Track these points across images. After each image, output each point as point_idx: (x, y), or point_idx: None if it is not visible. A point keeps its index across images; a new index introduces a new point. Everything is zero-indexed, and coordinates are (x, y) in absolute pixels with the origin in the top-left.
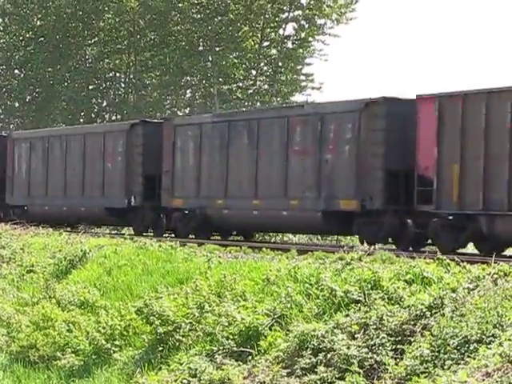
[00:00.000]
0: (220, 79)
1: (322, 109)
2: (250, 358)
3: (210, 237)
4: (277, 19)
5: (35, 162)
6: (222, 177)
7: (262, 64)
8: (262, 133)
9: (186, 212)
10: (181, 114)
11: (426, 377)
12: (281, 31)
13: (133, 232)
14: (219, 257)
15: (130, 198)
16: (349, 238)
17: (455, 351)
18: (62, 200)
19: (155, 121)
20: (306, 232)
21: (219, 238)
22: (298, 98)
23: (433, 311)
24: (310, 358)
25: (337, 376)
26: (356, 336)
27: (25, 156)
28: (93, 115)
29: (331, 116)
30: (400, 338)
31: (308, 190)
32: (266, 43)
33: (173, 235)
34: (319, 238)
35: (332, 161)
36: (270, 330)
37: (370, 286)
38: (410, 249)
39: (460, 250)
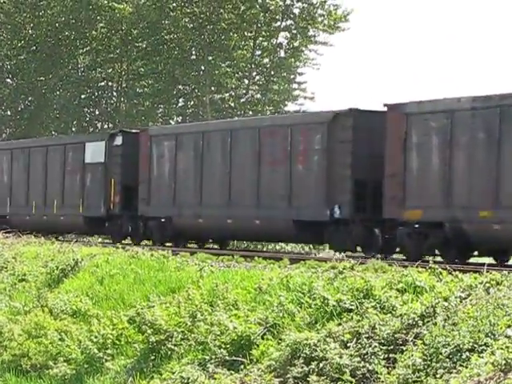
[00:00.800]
0: (212, 88)
1: None
2: (242, 366)
3: (467, 259)
4: (269, 28)
5: (184, 163)
6: (489, 180)
7: (254, 73)
8: None
9: (416, 226)
10: (173, 123)
11: None
12: (273, 40)
13: (329, 249)
14: (211, 266)
15: (332, 209)
16: None
17: (447, 360)
18: (224, 210)
19: (370, 109)
20: None
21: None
22: (290, 107)
23: (425, 320)
24: (302, 367)
25: None
26: (348, 345)
27: (169, 156)
28: (85, 124)
29: None
30: (392, 346)
31: None
32: (258, 52)
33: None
34: (311, 246)
35: None
36: (263, 338)
37: (362, 294)
38: None
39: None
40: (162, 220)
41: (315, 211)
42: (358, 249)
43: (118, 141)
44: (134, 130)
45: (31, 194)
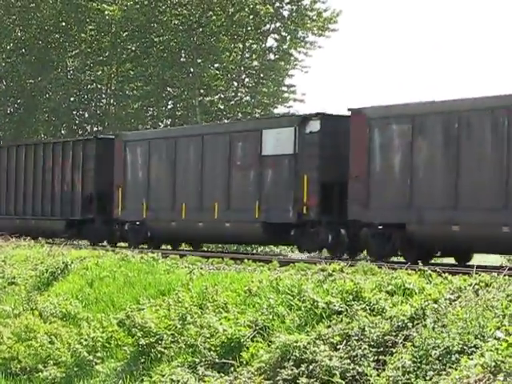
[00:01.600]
0: (201, 91)
1: None
2: (232, 369)
3: None
4: (258, 31)
5: (428, 152)
6: None
7: (243, 76)
8: None
9: None
10: (162, 126)
11: None
12: (262, 43)
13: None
14: (201, 268)
15: None
16: None
17: (437, 362)
18: (499, 214)
19: None
20: None
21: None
22: (280, 109)
23: (414, 322)
24: (292, 370)
25: None
26: (338, 347)
27: (400, 143)
28: (74, 127)
29: None
30: (382, 348)
31: None
32: (247, 55)
33: None
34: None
35: None
36: (252, 341)
37: (351, 297)
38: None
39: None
40: (380, 227)
41: None
42: None
43: (314, 126)
44: (335, 113)
45: (179, 194)
